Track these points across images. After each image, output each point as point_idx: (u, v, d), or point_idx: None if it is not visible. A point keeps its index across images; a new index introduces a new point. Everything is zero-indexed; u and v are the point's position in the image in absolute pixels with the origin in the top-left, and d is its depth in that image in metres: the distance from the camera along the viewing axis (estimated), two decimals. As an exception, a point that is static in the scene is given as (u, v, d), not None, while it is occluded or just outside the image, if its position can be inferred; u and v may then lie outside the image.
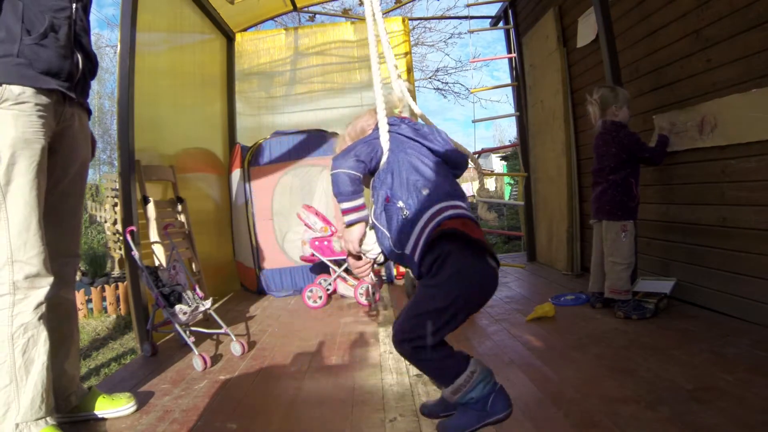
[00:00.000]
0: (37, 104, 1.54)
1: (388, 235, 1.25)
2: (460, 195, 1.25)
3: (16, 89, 1.50)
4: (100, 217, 7.74)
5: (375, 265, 1.38)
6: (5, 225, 1.49)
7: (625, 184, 2.68)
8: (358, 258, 1.37)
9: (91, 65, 1.77)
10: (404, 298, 3.57)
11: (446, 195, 1.21)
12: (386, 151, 1.30)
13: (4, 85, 1.48)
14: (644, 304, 2.58)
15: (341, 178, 1.28)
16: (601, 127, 2.77)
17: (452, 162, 1.33)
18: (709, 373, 1.78)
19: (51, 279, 1.58)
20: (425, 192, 1.21)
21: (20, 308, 1.51)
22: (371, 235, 1.32)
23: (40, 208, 1.55)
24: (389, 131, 1.31)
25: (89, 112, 1.84)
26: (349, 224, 1.31)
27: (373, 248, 1.32)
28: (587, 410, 1.59)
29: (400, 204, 1.22)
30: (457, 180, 1.35)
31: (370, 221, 1.31)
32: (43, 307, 1.56)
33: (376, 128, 1.33)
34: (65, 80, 1.62)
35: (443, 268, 1.15)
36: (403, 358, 1.27)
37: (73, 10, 1.64)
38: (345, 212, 1.30)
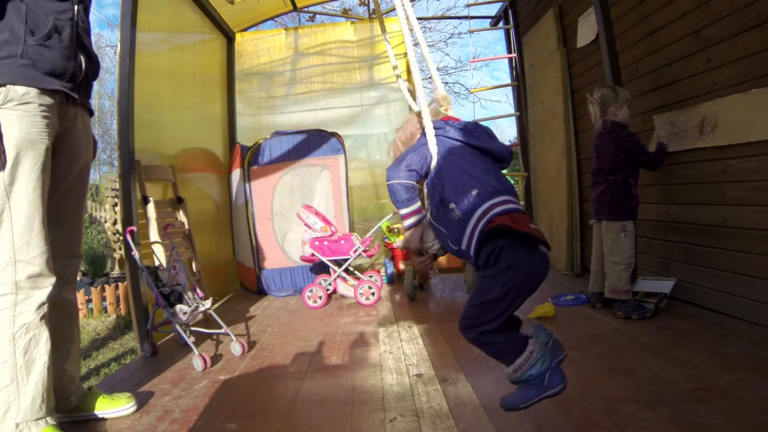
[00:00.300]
0: (41, 105, 1.54)
1: (445, 232, 1.35)
2: (508, 189, 1.33)
3: (20, 90, 1.51)
4: (100, 216, 7.74)
5: (436, 258, 1.51)
6: (8, 225, 1.50)
7: (625, 185, 2.68)
8: (421, 254, 1.47)
9: (93, 66, 1.78)
10: (405, 299, 3.57)
11: (494, 192, 1.29)
12: (435, 155, 1.39)
13: (8, 86, 1.49)
14: (644, 304, 2.58)
15: (396, 188, 1.40)
16: (601, 127, 2.77)
17: (498, 156, 1.43)
18: (709, 373, 1.78)
19: (53, 279, 1.58)
20: (474, 192, 1.29)
21: (22, 308, 1.51)
22: (430, 231, 1.43)
23: (43, 208, 1.56)
24: (435, 135, 1.41)
25: (91, 113, 1.85)
26: (409, 227, 1.43)
27: (433, 243, 1.44)
28: (587, 410, 1.59)
29: (452, 206, 1.31)
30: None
31: (428, 219, 1.42)
32: (45, 308, 1.56)
33: (424, 133, 1.43)
34: (68, 81, 1.63)
35: (498, 261, 1.24)
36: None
37: (75, 11, 1.65)
38: (404, 217, 1.43)
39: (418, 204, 1.41)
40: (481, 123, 1.55)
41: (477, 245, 1.26)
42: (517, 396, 1.30)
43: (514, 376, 1.27)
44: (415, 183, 1.40)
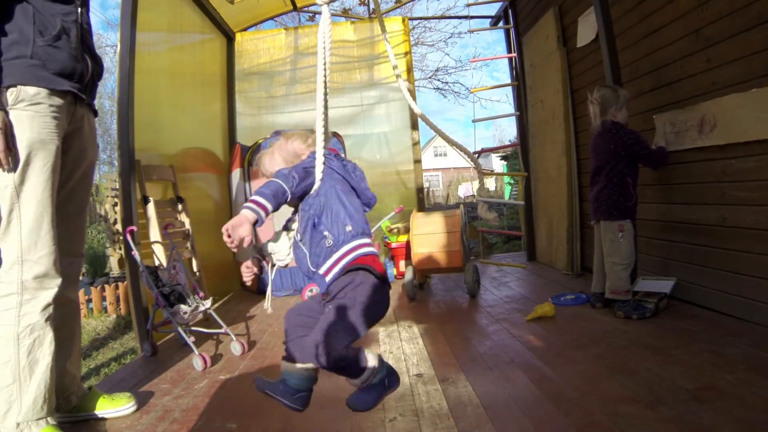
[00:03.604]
0: (51, 105, 1.55)
1: (306, 253, 1.43)
2: (369, 232, 1.47)
3: (31, 90, 1.51)
4: (102, 216, 7.74)
5: (264, 269, 1.60)
6: (17, 224, 1.50)
7: (622, 184, 2.68)
8: (262, 257, 1.58)
9: (98, 67, 1.80)
10: (405, 299, 3.57)
11: (362, 233, 1.42)
12: (318, 180, 1.44)
13: (19, 87, 1.50)
14: (644, 303, 2.58)
15: (276, 185, 1.39)
16: (601, 126, 2.77)
17: (365, 199, 1.52)
18: (709, 373, 1.79)
19: (59, 280, 1.58)
20: (348, 228, 1.41)
21: (27, 309, 1.52)
22: (285, 243, 1.53)
23: (52, 208, 1.57)
24: (324, 163, 1.44)
25: (95, 114, 1.86)
26: (246, 209, 1.35)
27: (282, 255, 1.53)
28: (587, 410, 1.59)
29: (326, 233, 1.40)
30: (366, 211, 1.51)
31: (296, 236, 1.48)
32: (51, 309, 1.56)
33: (311, 156, 1.47)
34: (77, 81, 1.64)
35: (356, 293, 1.36)
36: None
37: (79, 13, 1.66)
38: (252, 201, 1.37)
39: (271, 208, 1.38)
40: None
41: (336, 275, 1.38)
42: (364, 396, 1.47)
43: (363, 385, 1.44)
44: (289, 195, 1.39)
